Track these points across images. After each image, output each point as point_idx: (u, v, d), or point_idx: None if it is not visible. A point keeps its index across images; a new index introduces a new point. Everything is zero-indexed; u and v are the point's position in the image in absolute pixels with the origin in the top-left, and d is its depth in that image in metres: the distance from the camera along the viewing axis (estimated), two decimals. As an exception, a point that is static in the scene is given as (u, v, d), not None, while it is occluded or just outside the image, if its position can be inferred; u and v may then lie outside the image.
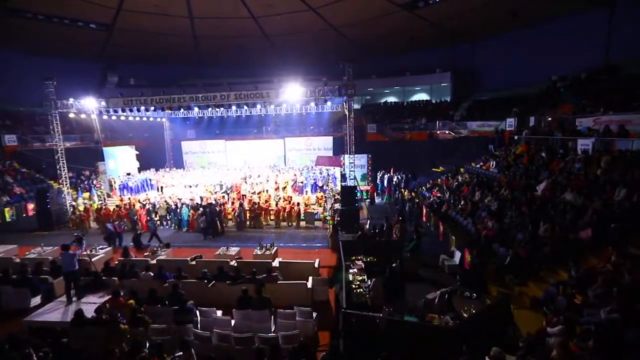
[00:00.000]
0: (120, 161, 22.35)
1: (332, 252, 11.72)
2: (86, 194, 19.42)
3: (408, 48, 26.64)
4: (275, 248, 11.09)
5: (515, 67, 21.95)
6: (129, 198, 17.94)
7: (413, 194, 17.64)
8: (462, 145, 20.97)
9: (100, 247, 11.74)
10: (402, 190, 18.36)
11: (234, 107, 19.99)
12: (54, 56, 24.20)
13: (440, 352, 5.28)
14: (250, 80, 26.11)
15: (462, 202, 12.97)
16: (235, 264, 9.18)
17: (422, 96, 30.18)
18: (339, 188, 16.87)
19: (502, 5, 18.43)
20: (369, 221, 13.88)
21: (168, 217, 15.89)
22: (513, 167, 13.53)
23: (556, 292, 6.48)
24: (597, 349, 4.29)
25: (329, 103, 18.08)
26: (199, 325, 6.59)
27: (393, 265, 8.34)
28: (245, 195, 17.61)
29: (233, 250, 11.03)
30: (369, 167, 21.62)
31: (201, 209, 14.69)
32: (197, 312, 6.81)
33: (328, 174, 21.21)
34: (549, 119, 15.38)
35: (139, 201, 16.90)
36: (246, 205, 15.62)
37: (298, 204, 15.96)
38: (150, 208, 15.81)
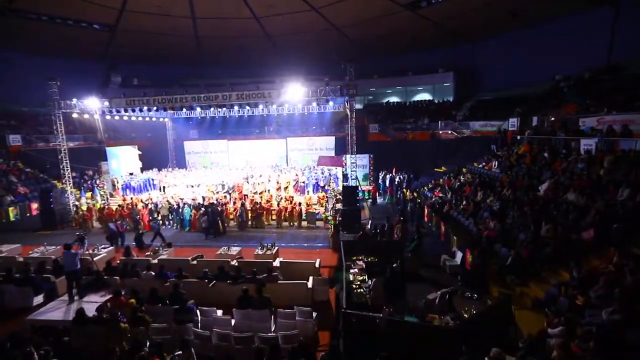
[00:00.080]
0: (123, 161, 22.46)
1: (333, 252, 11.73)
2: (89, 194, 19.52)
3: (409, 48, 26.61)
4: (276, 248, 11.10)
5: (518, 67, 21.87)
6: (132, 198, 18.02)
7: (415, 194, 17.59)
8: (464, 145, 20.90)
9: (103, 246, 11.81)
10: (404, 190, 18.32)
11: (236, 107, 20.06)
12: (57, 57, 24.38)
13: (441, 352, 5.26)
14: (252, 80, 26.18)
15: (464, 202, 12.93)
16: (236, 264, 9.19)
17: (425, 96, 30.10)
18: (340, 188, 16.86)
19: (504, 5, 18.37)
20: (370, 221, 13.85)
21: (170, 217, 15.95)
22: (515, 167, 13.46)
23: (558, 292, 6.43)
24: (597, 350, 4.26)
25: (330, 103, 18.07)
26: (199, 325, 6.60)
27: (394, 265, 8.31)
28: (247, 195, 17.65)
29: (234, 250, 11.05)
30: (371, 167, 21.59)
31: (203, 208, 14.74)
32: (198, 312, 6.83)
33: (330, 174, 21.21)
34: (552, 118, 15.29)
35: (142, 201, 16.97)
36: (248, 205, 15.65)
37: (300, 204, 15.96)
38: (153, 208, 15.87)
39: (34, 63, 23.11)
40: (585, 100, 14.62)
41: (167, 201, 16.51)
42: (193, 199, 16.49)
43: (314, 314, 6.88)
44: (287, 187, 19.24)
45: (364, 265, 8.87)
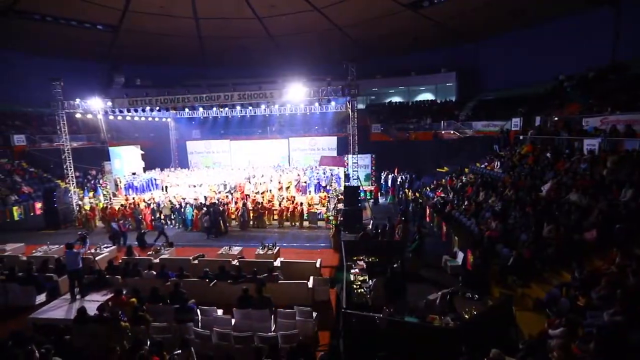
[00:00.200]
0: (125, 161, 22.59)
1: (334, 252, 11.72)
2: (91, 193, 19.63)
3: (412, 48, 26.56)
4: (277, 248, 11.10)
5: (521, 66, 21.75)
6: (134, 197, 18.11)
7: (417, 194, 17.55)
8: (467, 146, 20.81)
9: (105, 245, 11.86)
10: (406, 190, 18.28)
11: (238, 107, 20.12)
12: (61, 57, 24.55)
13: (440, 352, 5.24)
14: (254, 80, 26.16)
15: (466, 203, 12.88)
16: (237, 264, 9.21)
17: (427, 96, 30.01)
18: (342, 188, 16.85)
19: (506, 5, 18.30)
20: (372, 221, 13.84)
21: (172, 217, 16.01)
22: (518, 167, 13.39)
23: (559, 293, 6.38)
24: (598, 351, 4.22)
25: (333, 103, 18.08)
26: (199, 324, 6.62)
27: (394, 265, 8.30)
28: (248, 195, 17.69)
29: (235, 249, 11.08)
30: (373, 167, 21.56)
31: (205, 208, 14.79)
32: (198, 311, 6.85)
33: (332, 174, 21.20)
34: (555, 118, 15.19)
35: (144, 200, 17.05)
36: (249, 205, 15.68)
37: (301, 203, 15.98)
38: (155, 207, 15.94)
39: (37, 64, 23.29)
40: (588, 100, 14.52)
41: (170, 201, 16.58)
42: (195, 199, 16.55)
43: (314, 314, 6.88)
44: (288, 187, 19.25)
45: (364, 266, 8.87)
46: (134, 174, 21.78)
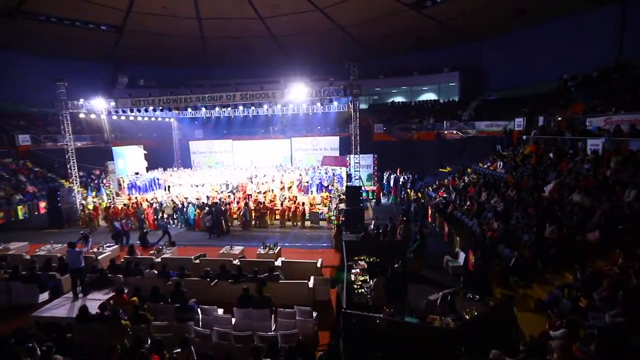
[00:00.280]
0: (129, 161, 22.69)
1: (335, 252, 11.72)
2: (95, 193, 19.76)
3: (414, 48, 26.48)
4: (278, 247, 11.11)
5: (524, 66, 21.64)
6: (137, 197, 18.20)
7: (419, 194, 17.50)
8: (469, 146, 20.72)
9: (107, 244, 11.95)
10: (408, 190, 18.24)
11: (240, 107, 20.14)
12: (65, 58, 24.71)
13: (440, 353, 5.22)
14: (256, 80, 26.24)
15: (468, 203, 12.82)
16: (238, 263, 9.23)
17: (430, 96, 29.92)
18: (344, 188, 16.84)
19: (509, 4, 18.18)
20: (373, 221, 13.82)
21: (175, 216, 16.08)
22: (521, 167, 13.31)
23: (561, 294, 6.34)
24: (599, 352, 4.19)
25: (335, 103, 18.07)
26: (200, 323, 6.65)
27: (395, 265, 8.28)
28: (250, 195, 17.72)
29: (237, 249, 11.12)
30: (375, 167, 21.52)
31: (207, 208, 14.84)
32: (199, 310, 6.88)
33: (334, 174, 21.19)
34: (559, 118, 15.09)
35: (147, 200, 17.14)
36: (251, 205, 15.71)
37: (303, 203, 15.99)
38: (157, 207, 16.02)
39: (41, 64, 23.45)
40: (592, 100, 14.39)
41: (172, 200, 16.65)
42: (197, 199, 16.60)
43: (314, 314, 6.88)
44: (290, 187, 19.27)
45: (365, 266, 8.86)
46: (136, 173, 21.89)
